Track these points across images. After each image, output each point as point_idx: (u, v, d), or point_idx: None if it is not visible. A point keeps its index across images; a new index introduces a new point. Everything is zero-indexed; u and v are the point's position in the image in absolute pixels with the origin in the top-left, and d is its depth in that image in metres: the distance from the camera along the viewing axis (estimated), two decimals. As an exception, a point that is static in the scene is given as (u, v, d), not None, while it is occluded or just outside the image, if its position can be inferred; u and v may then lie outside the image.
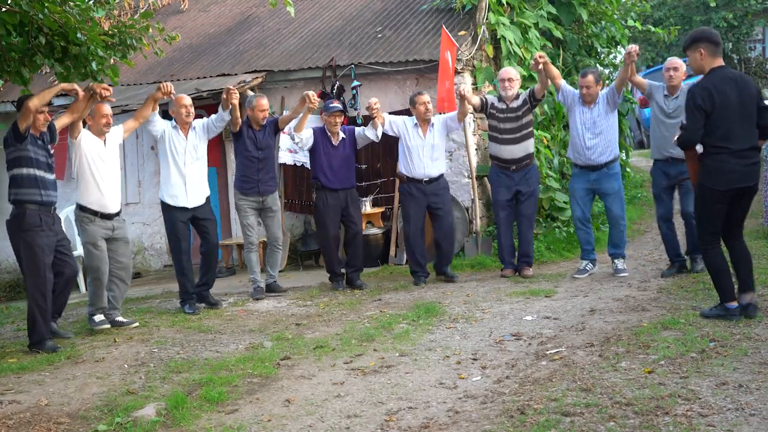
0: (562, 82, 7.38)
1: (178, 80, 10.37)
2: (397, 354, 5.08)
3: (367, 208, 9.03)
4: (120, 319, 6.50)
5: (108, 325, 6.29)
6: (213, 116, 7.11)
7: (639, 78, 7.09)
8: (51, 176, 5.93)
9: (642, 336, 4.92)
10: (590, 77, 7.13)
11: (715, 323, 5.06)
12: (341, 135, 7.56)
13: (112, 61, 6.80)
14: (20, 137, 5.72)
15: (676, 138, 5.32)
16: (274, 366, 4.99)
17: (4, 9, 5.92)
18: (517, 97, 7.53)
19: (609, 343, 4.85)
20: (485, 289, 7.10)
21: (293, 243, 9.73)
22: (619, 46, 12.76)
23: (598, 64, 12.24)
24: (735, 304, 5.16)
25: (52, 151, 6.03)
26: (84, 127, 6.28)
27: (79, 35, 6.10)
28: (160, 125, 6.88)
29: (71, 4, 6.21)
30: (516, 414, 3.78)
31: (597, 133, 7.14)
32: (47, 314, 5.81)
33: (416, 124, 7.55)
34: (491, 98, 7.69)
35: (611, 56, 13.20)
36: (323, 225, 7.65)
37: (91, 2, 6.87)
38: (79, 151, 6.22)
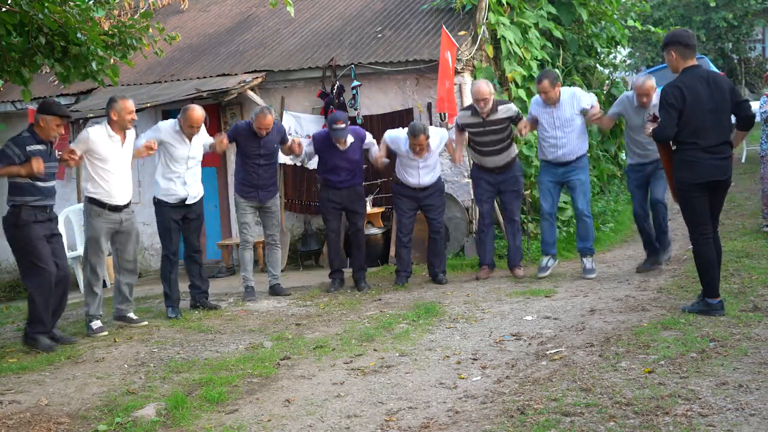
0: (529, 113, 7.42)
1: (178, 80, 10.37)
2: (397, 354, 5.08)
3: (368, 208, 9.02)
4: (131, 315, 6.50)
5: (105, 333, 6.20)
6: (206, 143, 7.06)
7: (609, 119, 7.30)
8: (51, 183, 5.84)
9: (642, 336, 4.92)
10: (545, 82, 7.04)
11: (715, 323, 5.06)
12: (350, 140, 7.42)
13: (112, 61, 6.81)
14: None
15: (650, 130, 5.41)
16: (274, 366, 4.99)
17: (4, 9, 5.92)
18: (496, 110, 7.32)
19: (609, 343, 4.85)
20: (485, 289, 7.10)
21: (293, 243, 9.72)
22: (618, 46, 12.76)
23: (598, 64, 12.24)
24: (717, 299, 5.26)
25: (58, 157, 5.94)
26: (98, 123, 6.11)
27: (79, 35, 6.10)
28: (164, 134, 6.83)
29: (71, 4, 6.21)
30: (516, 414, 3.78)
31: (566, 132, 7.14)
32: (48, 311, 5.74)
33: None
34: (462, 117, 7.54)
35: (611, 56, 13.22)
36: (325, 218, 7.76)
37: (91, 2, 6.87)
38: (88, 148, 6.09)
